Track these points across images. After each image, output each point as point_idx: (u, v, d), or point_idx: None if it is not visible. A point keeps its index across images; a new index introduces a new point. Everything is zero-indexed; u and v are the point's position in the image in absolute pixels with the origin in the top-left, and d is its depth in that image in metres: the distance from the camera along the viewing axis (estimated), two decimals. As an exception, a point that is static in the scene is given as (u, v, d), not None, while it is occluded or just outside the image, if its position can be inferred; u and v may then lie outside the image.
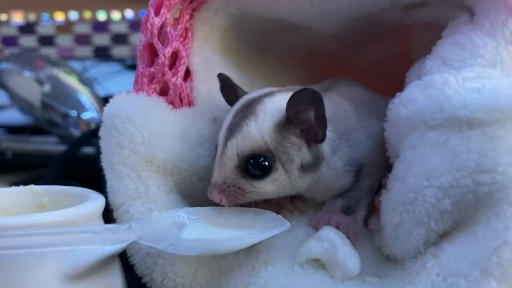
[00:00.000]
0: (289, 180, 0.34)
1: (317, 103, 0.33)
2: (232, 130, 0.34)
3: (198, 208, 0.35)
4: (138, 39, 0.43)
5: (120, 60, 0.99)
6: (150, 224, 0.32)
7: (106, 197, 0.35)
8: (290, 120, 0.34)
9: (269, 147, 0.34)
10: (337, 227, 0.35)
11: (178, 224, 0.33)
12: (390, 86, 0.38)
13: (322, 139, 0.35)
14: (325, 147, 0.36)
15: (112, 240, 0.30)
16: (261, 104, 0.35)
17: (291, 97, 0.33)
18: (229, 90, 0.39)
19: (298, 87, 0.37)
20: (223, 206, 0.35)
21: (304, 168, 0.35)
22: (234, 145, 0.34)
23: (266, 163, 0.34)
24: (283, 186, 0.35)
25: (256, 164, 0.34)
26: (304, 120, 0.34)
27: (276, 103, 0.35)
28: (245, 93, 0.38)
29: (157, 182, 0.37)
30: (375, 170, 0.39)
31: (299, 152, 0.34)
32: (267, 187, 0.34)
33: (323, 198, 0.39)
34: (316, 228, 0.36)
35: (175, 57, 0.41)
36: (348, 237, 0.35)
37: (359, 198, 0.38)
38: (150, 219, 0.33)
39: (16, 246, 0.27)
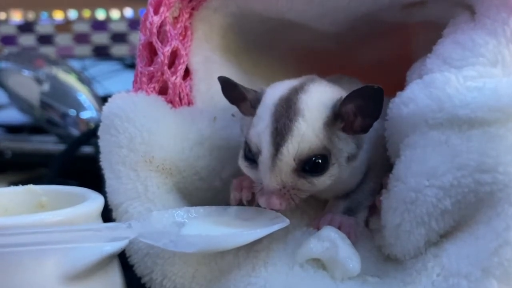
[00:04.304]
0: (340, 172, 0.35)
1: (371, 97, 0.32)
2: (281, 134, 0.33)
3: (198, 207, 0.35)
4: (137, 38, 0.42)
5: (119, 59, 0.99)
6: (150, 222, 0.32)
7: (105, 197, 0.35)
8: (336, 114, 0.34)
9: (325, 145, 0.34)
10: (339, 227, 0.35)
11: (178, 223, 0.33)
12: (391, 85, 0.38)
13: (367, 129, 0.35)
14: (365, 136, 0.36)
15: (112, 237, 0.30)
16: (302, 103, 0.34)
17: (349, 95, 0.33)
18: (232, 90, 0.38)
19: (317, 78, 0.38)
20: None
21: (350, 159, 0.35)
22: (289, 150, 0.33)
23: (322, 160, 0.33)
24: (335, 179, 0.35)
25: (314, 163, 0.33)
26: (345, 112, 0.34)
27: (317, 99, 0.35)
28: (254, 91, 0.37)
29: (156, 182, 0.37)
30: (377, 174, 0.39)
31: (347, 144, 0.35)
32: (325, 182, 0.34)
33: (329, 195, 0.39)
34: (318, 228, 0.36)
35: (174, 56, 0.41)
36: (349, 237, 0.35)
37: (361, 200, 0.38)
38: (150, 218, 0.33)
39: (17, 244, 0.27)
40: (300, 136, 0.33)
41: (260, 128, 0.34)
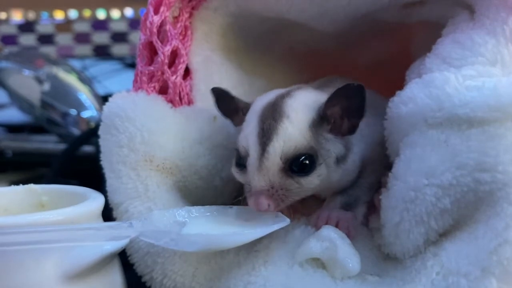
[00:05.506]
0: (328, 174, 0.35)
1: (352, 96, 0.33)
2: (267, 135, 0.34)
3: (199, 206, 0.35)
4: (137, 37, 0.42)
5: (120, 59, 0.99)
6: (151, 221, 0.32)
7: (106, 196, 0.35)
8: (322, 117, 0.35)
9: (312, 145, 0.34)
10: (337, 223, 0.36)
11: (179, 222, 0.33)
12: (390, 84, 0.38)
13: (354, 130, 0.35)
14: (354, 137, 0.37)
15: (113, 236, 0.30)
16: (287, 106, 0.35)
17: (331, 96, 0.34)
18: (226, 102, 0.39)
19: (304, 86, 0.39)
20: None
21: (339, 160, 0.36)
22: (275, 149, 0.33)
23: (310, 160, 0.34)
24: (324, 180, 0.35)
25: (301, 162, 0.34)
26: (331, 115, 0.35)
27: (302, 102, 0.35)
28: (244, 102, 0.38)
29: (157, 181, 0.37)
30: (376, 169, 0.39)
31: (334, 146, 0.35)
32: (313, 182, 0.34)
33: (326, 193, 0.39)
34: (316, 225, 0.36)
35: (174, 56, 0.41)
36: (348, 231, 0.35)
37: (359, 195, 0.38)
38: (151, 217, 0.33)
39: (17, 243, 0.27)
40: (286, 135, 0.33)
41: (248, 131, 0.35)
